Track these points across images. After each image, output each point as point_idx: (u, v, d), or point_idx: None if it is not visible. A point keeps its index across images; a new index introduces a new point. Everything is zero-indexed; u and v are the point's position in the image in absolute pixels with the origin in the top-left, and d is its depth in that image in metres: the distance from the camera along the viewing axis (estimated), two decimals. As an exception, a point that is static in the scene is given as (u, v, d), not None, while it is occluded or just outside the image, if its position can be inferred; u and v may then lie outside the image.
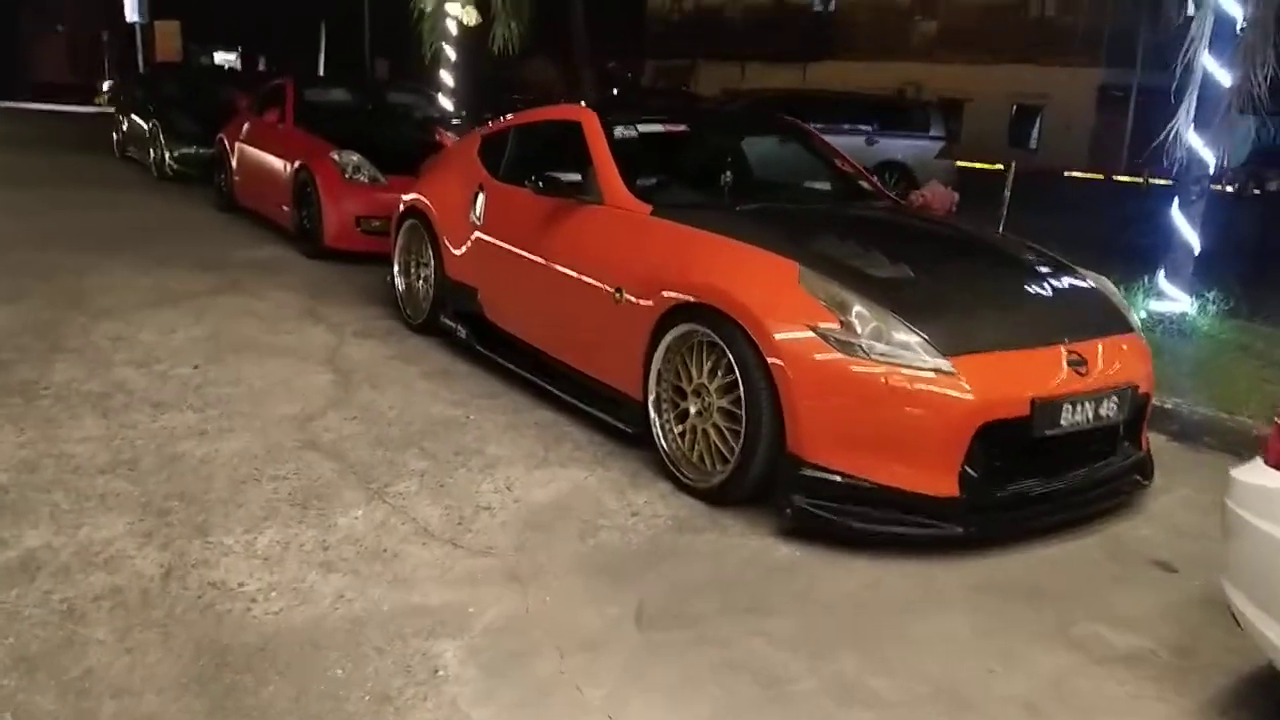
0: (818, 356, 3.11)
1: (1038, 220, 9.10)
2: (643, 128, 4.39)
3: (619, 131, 4.32)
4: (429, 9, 13.23)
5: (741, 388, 3.25)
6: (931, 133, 13.43)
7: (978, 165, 19.00)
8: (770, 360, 3.16)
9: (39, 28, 41.84)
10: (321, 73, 34.41)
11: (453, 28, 13.52)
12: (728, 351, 3.30)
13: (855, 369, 3.07)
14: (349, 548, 2.98)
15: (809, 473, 3.13)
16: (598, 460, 3.80)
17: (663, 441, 3.63)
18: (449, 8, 13.21)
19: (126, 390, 4.25)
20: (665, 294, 3.56)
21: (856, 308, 3.17)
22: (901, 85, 29.01)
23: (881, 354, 3.08)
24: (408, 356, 5.04)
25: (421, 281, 5.50)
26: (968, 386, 3.05)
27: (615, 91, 28.47)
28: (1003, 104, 29.17)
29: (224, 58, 41.32)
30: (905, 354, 3.08)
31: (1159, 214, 10.17)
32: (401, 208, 5.53)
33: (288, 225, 7.94)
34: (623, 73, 42.14)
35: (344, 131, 7.78)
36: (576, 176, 4.16)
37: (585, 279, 4.01)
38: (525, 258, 4.44)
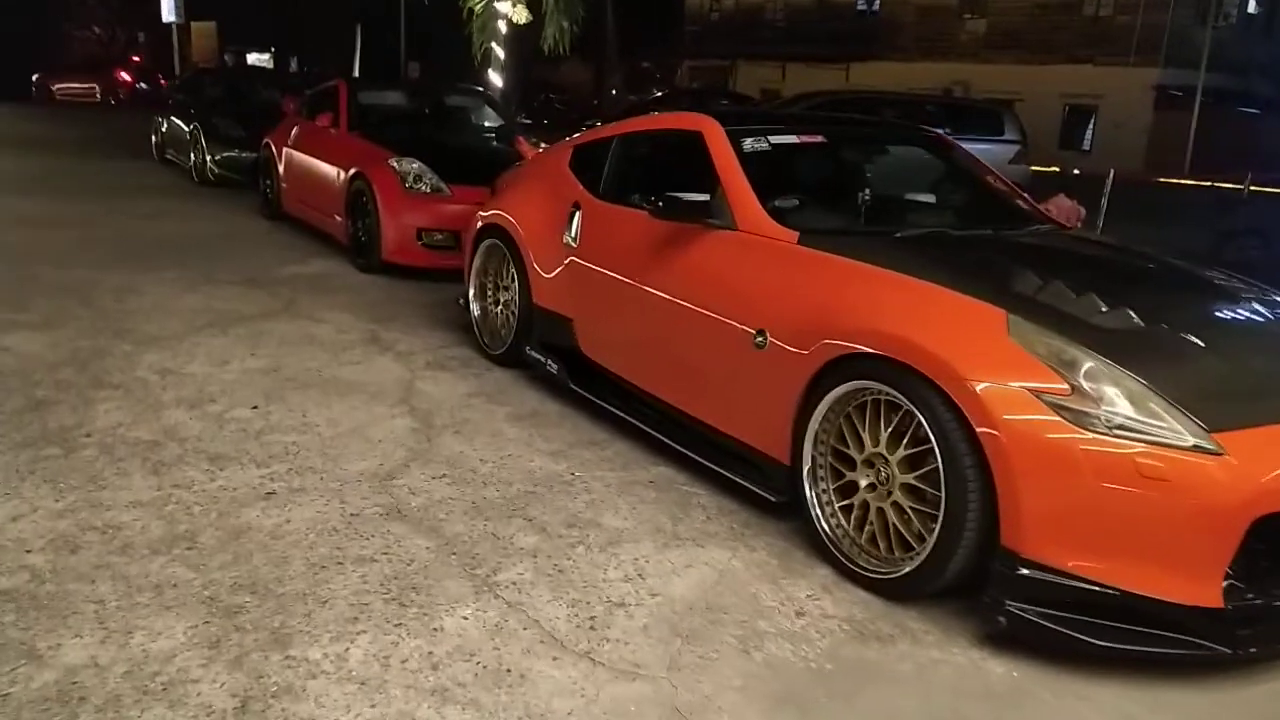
0: (1044, 429, 2.48)
1: (1132, 231, 8.43)
2: (775, 139, 3.77)
3: (748, 144, 3.71)
4: (479, 8, 12.73)
5: (940, 462, 2.63)
6: (1006, 136, 12.73)
7: (1034, 168, 18.24)
8: (981, 430, 2.54)
9: (73, 29, 41.85)
10: (357, 74, 34.19)
11: (502, 27, 13.03)
12: (919, 416, 2.68)
13: (1093, 446, 2.44)
14: (463, 665, 2.39)
15: (1029, 572, 2.50)
16: (736, 535, 3.19)
17: (822, 521, 3.01)
18: (499, 6, 12.71)
19: (179, 438, 3.69)
20: (827, 342, 2.95)
21: (1087, 366, 2.55)
22: (949, 85, 28.30)
23: (1125, 427, 2.46)
24: (491, 394, 4.46)
25: (500, 307, 4.92)
26: (1240, 470, 2.42)
27: (659, 93, 27.82)
28: (1054, 104, 28.27)
29: (256, 59, 41.17)
30: (1156, 428, 2.45)
31: (1270, 224, 9.52)
32: (479, 224, 4.94)
33: (340, 236, 7.40)
34: (653, 74, 41.58)
35: (402, 137, 7.23)
36: (703, 197, 3.56)
37: (715, 317, 3.40)
38: (635, 288, 3.84)
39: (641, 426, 3.80)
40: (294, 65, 41.15)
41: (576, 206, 4.32)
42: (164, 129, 12.86)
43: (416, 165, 6.70)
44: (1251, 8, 28.93)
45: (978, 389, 2.56)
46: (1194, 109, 23.51)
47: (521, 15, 12.92)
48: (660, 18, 36.75)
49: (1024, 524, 2.50)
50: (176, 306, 5.66)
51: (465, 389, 4.52)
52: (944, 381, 2.62)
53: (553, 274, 4.43)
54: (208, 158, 10.84)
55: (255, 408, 4.07)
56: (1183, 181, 18.97)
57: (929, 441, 2.68)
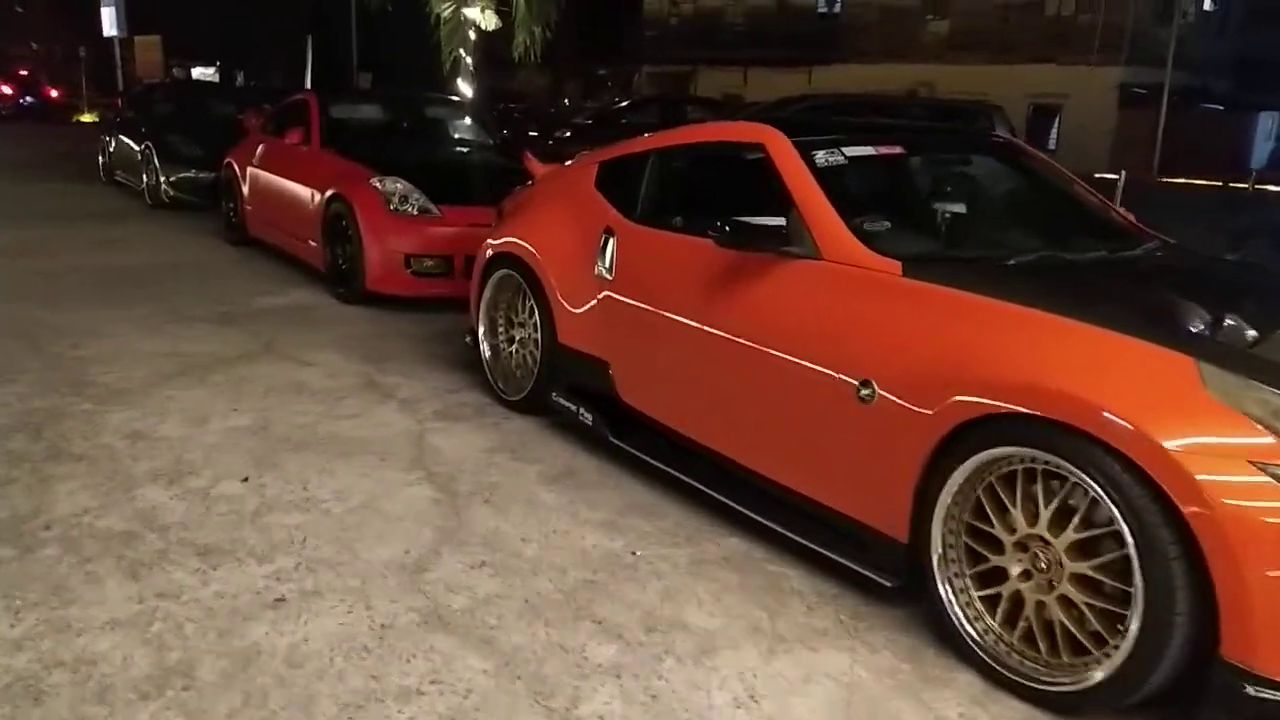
0: (1275, 507, 1.99)
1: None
2: (849, 151, 3.25)
3: (821, 157, 3.19)
4: (448, 14, 12.13)
5: (1133, 550, 2.12)
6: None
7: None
8: (1189, 510, 2.04)
9: (11, 44, 40.52)
10: (310, 86, 33.28)
11: (471, 34, 12.45)
12: (1100, 493, 2.17)
13: (1344, 531, 1.95)
14: None
15: (1261, 693, 2.00)
16: (849, 630, 2.66)
17: (960, 617, 2.49)
18: (468, 12, 12.12)
19: (158, 526, 3.08)
20: (960, 399, 2.43)
21: (1317, 428, 2.06)
22: (913, 87, 28.07)
23: (1378, 506, 1.97)
24: (515, 449, 3.89)
25: (515, 346, 4.36)
26: None
27: (623, 101, 27.16)
28: (1019, 104, 28.14)
29: (201, 72, 40.10)
30: None
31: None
32: (490, 253, 4.37)
33: (316, 264, 6.77)
34: (609, 81, 40.93)
35: (382, 154, 6.62)
36: (777, 221, 3.03)
37: (802, 364, 2.87)
38: (689, 327, 3.30)
39: (706, 490, 3.26)
40: (240, 79, 40.14)
41: (609, 233, 3.78)
42: (112, 148, 12.09)
43: (401, 185, 6.10)
44: (1207, 5, 29.14)
45: (1180, 459, 2.05)
46: (1161, 107, 23.47)
47: (490, 21, 12.36)
48: (617, 24, 36.29)
49: (1255, 630, 2.00)
50: (141, 351, 5.02)
51: (484, 443, 3.94)
52: (1133, 450, 2.11)
53: (582, 309, 3.88)
54: (162, 179, 10.11)
55: (246, 480, 3.47)
56: (1192, 182, 18.54)
57: (1109, 522, 2.18)
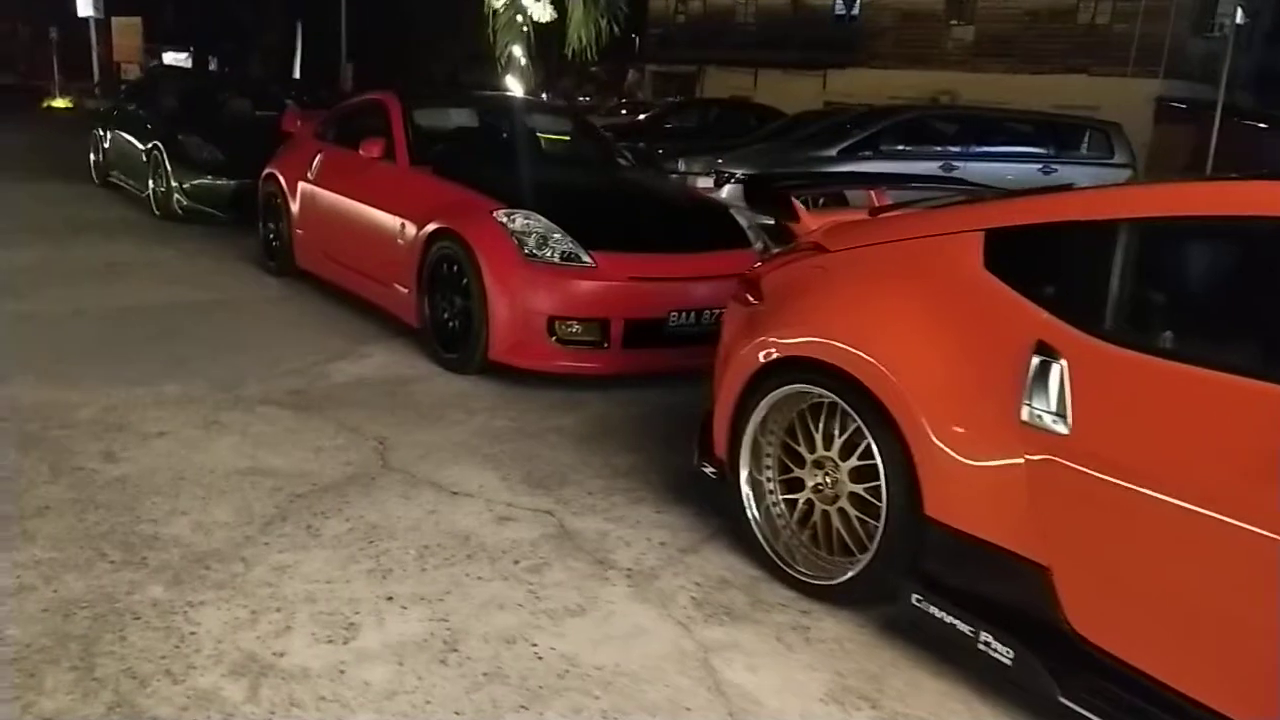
0: None
1: None
2: None
3: None
4: (502, 7, 10.61)
5: None
6: (1116, 159, 11.08)
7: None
8: None
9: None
10: (298, 76, 31.48)
11: (525, 27, 10.93)
12: None
13: None
14: None
15: None
16: None
17: None
18: (526, 1, 10.60)
19: None
20: None
21: None
22: (934, 95, 26.81)
23: None
24: (872, 697, 2.40)
25: (804, 495, 2.88)
26: None
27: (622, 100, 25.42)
28: (1048, 117, 27.06)
29: (173, 58, 38.10)
30: None
31: None
32: (773, 356, 2.88)
33: (405, 315, 5.22)
34: (603, 80, 39.27)
35: (498, 177, 5.10)
36: None
37: None
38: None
39: None
40: (213, 64, 38.26)
41: (1047, 353, 2.30)
42: (107, 145, 10.38)
43: (540, 222, 4.58)
44: (1239, 19, 28.18)
45: None
46: (1214, 123, 22.33)
47: (546, 13, 10.85)
48: (623, 21, 34.79)
49: None
50: (208, 468, 3.47)
51: (815, 682, 2.45)
52: None
53: (982, 466, 2.41)
54: (174, 185, 8.48)
55: (483, 800, 1.96)
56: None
57: None
